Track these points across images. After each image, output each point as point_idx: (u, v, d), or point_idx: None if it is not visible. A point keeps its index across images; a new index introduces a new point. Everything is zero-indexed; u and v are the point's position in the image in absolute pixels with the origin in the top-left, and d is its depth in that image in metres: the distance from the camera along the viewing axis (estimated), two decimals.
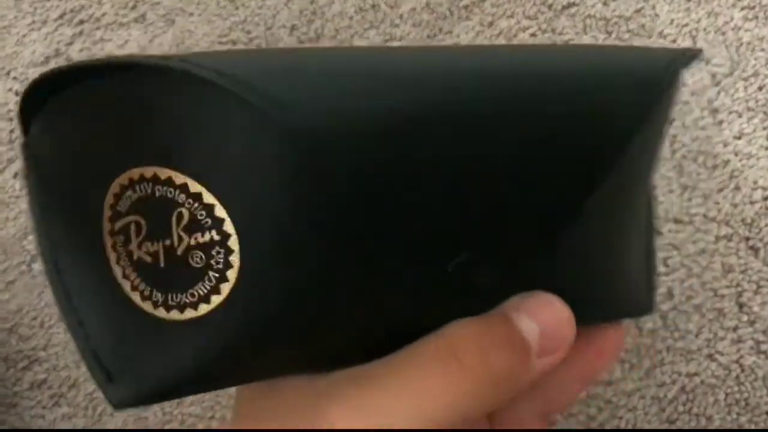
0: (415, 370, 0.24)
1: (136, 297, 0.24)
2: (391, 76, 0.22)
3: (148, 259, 0.23)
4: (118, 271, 0.24)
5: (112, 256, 0.24)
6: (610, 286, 0.28)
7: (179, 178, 0.22)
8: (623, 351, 0.42)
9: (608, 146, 0.25)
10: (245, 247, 0.22)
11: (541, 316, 0.24)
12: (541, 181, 0.24)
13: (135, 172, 0.23)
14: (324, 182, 0.21)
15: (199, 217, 0.22)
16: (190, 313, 0.23)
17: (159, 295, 0.23)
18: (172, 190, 0.22)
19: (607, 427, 0.42)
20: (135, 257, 0.23)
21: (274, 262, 0.22)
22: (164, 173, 0.22)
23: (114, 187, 0.23)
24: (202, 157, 0.22)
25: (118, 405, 0.24)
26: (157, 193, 0.22)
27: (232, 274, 0.23)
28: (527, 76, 0.24)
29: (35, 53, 0.49)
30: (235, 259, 0.22)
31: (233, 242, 0.22)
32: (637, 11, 0.46)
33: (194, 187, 0.22)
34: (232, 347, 0.23)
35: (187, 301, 0.23)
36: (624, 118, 0.25)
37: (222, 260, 0.22)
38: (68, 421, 0.45)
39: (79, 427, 0.45)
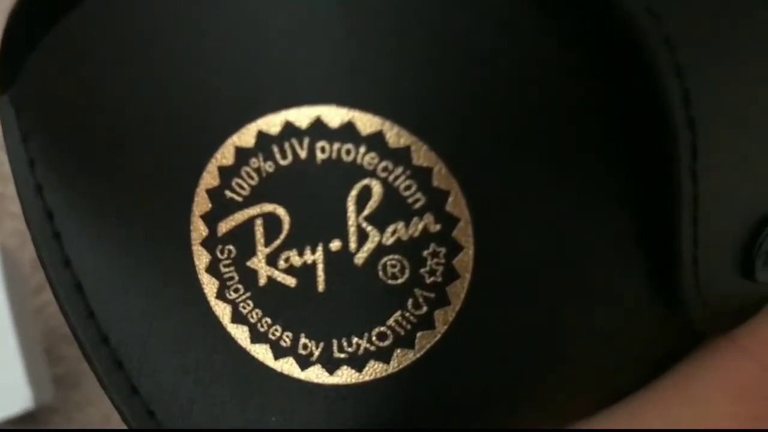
0: None
1: (240, 336, 0.13)
2: None
3: (290, 281, 0.13)
4: (212, 298, 0.13)
5: (207, 281, 0.13)
6: None
7: (368, 122, 0.12)
8: None
9: None
10: (485, 236, 0.13)
11: None
12: None
13: (271, 121, 0.12)
14: None
15: (404, 191, 0.12)
16: (350, 375, 0.13)
17: (295, 338, 0.13)
18: (351, 146, 0.12)
19: None
20: (260, 280, 0.13)
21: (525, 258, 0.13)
22: (333, 115, 0.12)
23: (221, 155, 0.13)
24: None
25: None
26: (318, 156, 0.12)
27: (458, 291, 0.13)
28: None
29: None
30: (465, 261, 0.13)
31: (463, 231, 0.12)
32: None
33: (395, 135, 0.12)
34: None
35: (360, 351, 0.13)
36: None
37: (442, 267, 0.13)
38: None
39: None
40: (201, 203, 0.13)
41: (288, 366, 0.13)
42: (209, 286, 0.13)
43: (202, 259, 0.13)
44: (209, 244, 0.13)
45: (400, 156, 0.12)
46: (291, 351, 0.13)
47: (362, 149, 0.12)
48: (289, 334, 0.13)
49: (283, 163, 0.12)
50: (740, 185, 0.15)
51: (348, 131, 0.12)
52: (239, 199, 0.13)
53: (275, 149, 0.12)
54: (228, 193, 0.13)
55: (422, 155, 0.12)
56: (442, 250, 0.12)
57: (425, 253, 0.12)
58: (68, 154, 0.14)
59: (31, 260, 0.45)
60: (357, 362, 0.13)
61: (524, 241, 0.13)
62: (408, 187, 0.12)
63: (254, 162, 0.12)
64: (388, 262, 0.12)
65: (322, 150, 0.12)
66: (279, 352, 0.13)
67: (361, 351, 0.13)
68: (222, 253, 0.13)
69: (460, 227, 0.12)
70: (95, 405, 0.45)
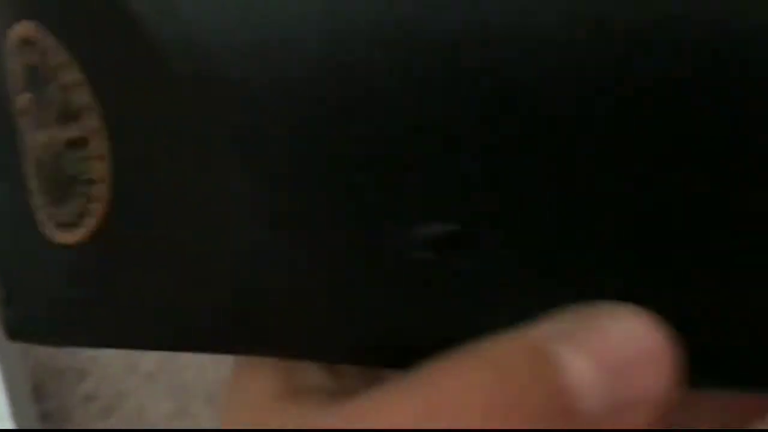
0: None
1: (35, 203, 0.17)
2: None
3: (45, 155, 0.16)
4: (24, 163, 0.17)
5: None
6: None
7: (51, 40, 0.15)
8: None
9: None
10: (118, 152, 0.15)
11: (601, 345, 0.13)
12: None
13: (26, 28, 0.16)
14: None
15: (72, 99, 0.15)
16: (61, 237, 0.17)
17: (47, 205, 0.17)
18: (54, 55, 0.16)
19: None
20: (35, 150, 0.17)
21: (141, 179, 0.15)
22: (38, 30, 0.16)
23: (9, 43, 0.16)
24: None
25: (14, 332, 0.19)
26: (51, 62, 0.16)
27: (100, 192, 0.15)
28: None
29: None
30: (102, 168, 0.15)
31: (100, 141, 0.15)
32: None
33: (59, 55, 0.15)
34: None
35: (61, 220, 0.16)
36: None
37: (88, 168, 0.16)
38: None
39: None
40: (17, 76, 0.17)
41: (47, 225, 0.17)
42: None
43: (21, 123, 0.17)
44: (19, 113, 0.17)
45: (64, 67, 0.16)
46: (48, 215, 0.17)
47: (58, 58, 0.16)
48: (45, 203, 0.17)
49: (29, 61, 0.16)
50: None
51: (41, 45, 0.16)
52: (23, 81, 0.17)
53: (25, 49, 0.16)
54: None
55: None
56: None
57: (78, 154, 0.16)
58: None
59: None
60: (66, 227, 0.16)
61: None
62: (72, 98, 0.15)
63: (26, 50, 0.16)
64: (67, 156, 0.16)
65: (46, 57, 0.16)
66: (45, 216, 0.17)
67: (67, 220, 0.16)
68: (25, 120, 0.17)
69: (98, 139, 0.15)
70: None
